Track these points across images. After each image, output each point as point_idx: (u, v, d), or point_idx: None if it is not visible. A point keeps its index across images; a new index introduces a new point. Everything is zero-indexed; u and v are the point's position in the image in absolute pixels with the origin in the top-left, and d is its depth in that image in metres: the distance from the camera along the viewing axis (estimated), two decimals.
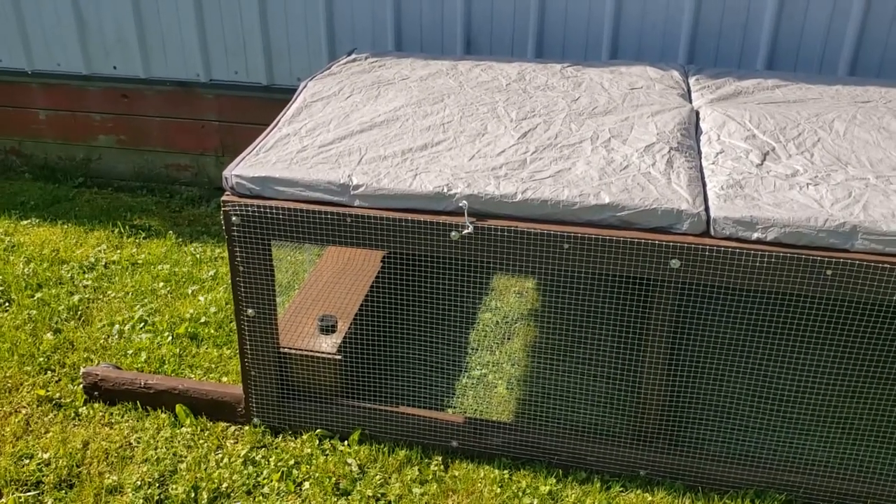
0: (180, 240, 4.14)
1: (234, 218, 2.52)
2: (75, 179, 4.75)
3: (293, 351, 2.80)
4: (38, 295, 3.62)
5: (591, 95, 3.00)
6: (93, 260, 3.92)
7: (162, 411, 2.95)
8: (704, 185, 2.46)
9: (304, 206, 2.46)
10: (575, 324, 3.41)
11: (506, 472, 2.71)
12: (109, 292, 3.69)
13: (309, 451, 2.80)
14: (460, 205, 2.39)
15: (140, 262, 3.93)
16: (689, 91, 3.18)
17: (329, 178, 2.46)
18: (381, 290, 3.22)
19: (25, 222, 4.29)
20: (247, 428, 2.89)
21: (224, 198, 2.53)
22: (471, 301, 3.63)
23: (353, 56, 3.53)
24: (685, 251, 2.30)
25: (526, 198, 2.36)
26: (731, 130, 2.73)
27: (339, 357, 2.80)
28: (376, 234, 2.45)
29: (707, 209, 2.33)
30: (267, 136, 2.73)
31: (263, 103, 4.36)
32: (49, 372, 3.16)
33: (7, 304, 3.58)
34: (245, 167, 2.53)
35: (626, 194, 2.35)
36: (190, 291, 3.70)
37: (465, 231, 2.37)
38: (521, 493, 2.64)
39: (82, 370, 3.00)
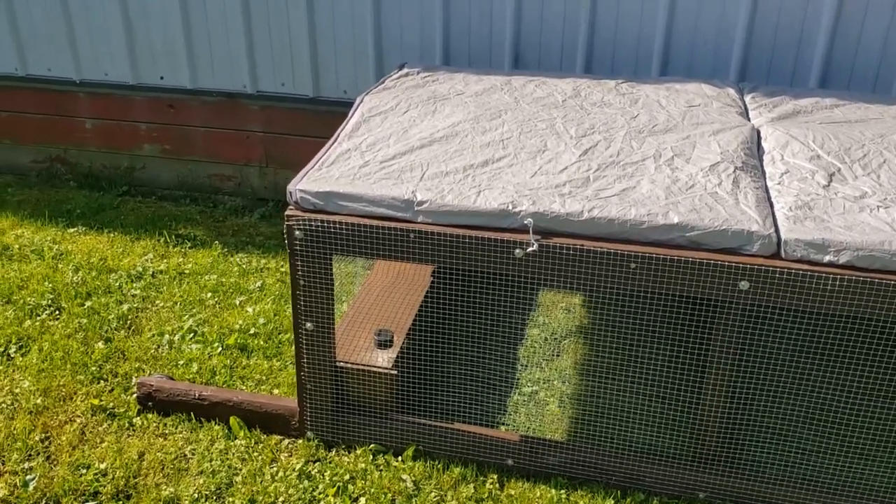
0: (226, 250, 4.16)
1: (297, 232, 2.52)
2: (119, 188, 4.79)
3: (349, 365, 2.80)
4: (88, 303, 3.64)
5: (649, 113, 2.98)
6: (140, 269, 3.95)
7: (215, 423, 2.95)
8: (772, 206, 2.43)
9: (368, 222, 2.46)
10: (626, 342, 3.38)
11: (562, 491, 2.69)
12: (158, 302, 3.71)
13: (363, 466, 2.79)
14: (525, 222, 2.38)
15: (187, 271, 3.95)
16: (746, 109, 3.15)
17: (393, 193, 2.46)
18: (432, 305, 3.21)
19: (72, 230, 4.32)
20: (300, 441, 2.89)
21: (288, 212, 2.53)
22: (518, 317, 3.61)
23: (405, 70, 3.54)
24: (755, 273, 2.27)
25: (593, 216, 2.35)
26: (794, 150, 2.71)
27: (394, 372, 2.79)
28: (439, 250, 2.44)
29: (777, 231, 2.31)
30: (328, 151, 2.73)
31: (309, 115, 4.37)
32: (102, 381, 3.18)
33: (58, 312, 3.61)
34: (309, 182, 2.53)
35: (695, 214, 2.33)
36: (237, 302, 3.71)
37: (530, 249, 2.36)
38: None
39: (137, 380, 3.02)
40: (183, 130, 4.59)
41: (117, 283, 3.82)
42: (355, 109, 3.05)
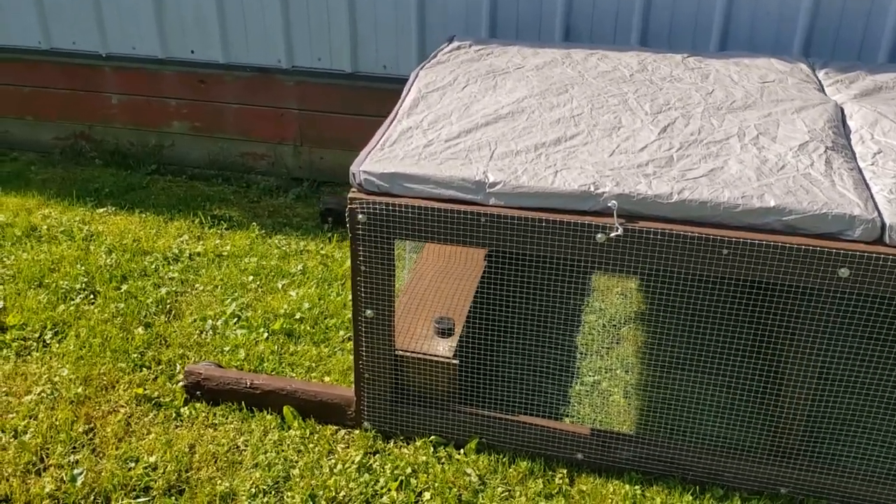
0: (263, 232, 4.01)
1: (360, 216, 2.37)
2: (148, 166, 4.64)
3: (408, 354, 2.67)
4: (125, 287, 3.51)
5: (724, 89, 2.82)
6: (176, 251, 3.80)
7: (268, 412, 2.82)
8: (869, 189, 2.28)
9: (436, 205, 2.31)
10: (691, 329, 3.24)
11: (637, 487, 2.56)
12: (197, 285, 3.57)
13: (424, 458, 2.66)
14: (609, 205, 2.23)
15: (225, 254, 3.81)
16: (821, 85, 2.99)
17: (463, 174, 2.31)
18: (488, 291, 3.07)
19: (101, 210, 4.18)
20: (357, 432, 2.76)
21: (351, 195, 2.38)
22: (574, 302, 3.47)
23: (455, 44, 3.37)
24: (856, 260, 2.12)
25: (683, 198, 2.19)
26: (885, 129, 2.55)
27: (456, 362, 2.66)
28: (512, 234, 2.29)
29: (880, 215, 2.15)
30: (388, 129, 2.58)
31: (346, 92, 4.21)
32: (145, 369, 3.05)
33: (93, 296, 3.47)
34: (373, 163, 2.38)
35: (792, 197, 2.18)
36: (280, 286, 3.57)
37: (614, 234, 2.22)
38: None
39: (185, 368, 2.88)
40: (214, 107, 4.43)
41: (153, 266, 3.68)
42: (411, 85, 2.89)
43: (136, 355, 3.10)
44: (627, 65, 3.07)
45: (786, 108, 2.67)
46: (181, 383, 2.94)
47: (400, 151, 2.44)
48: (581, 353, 3.18)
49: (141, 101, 4.53)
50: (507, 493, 2.55)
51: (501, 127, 2.56)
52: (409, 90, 2.84)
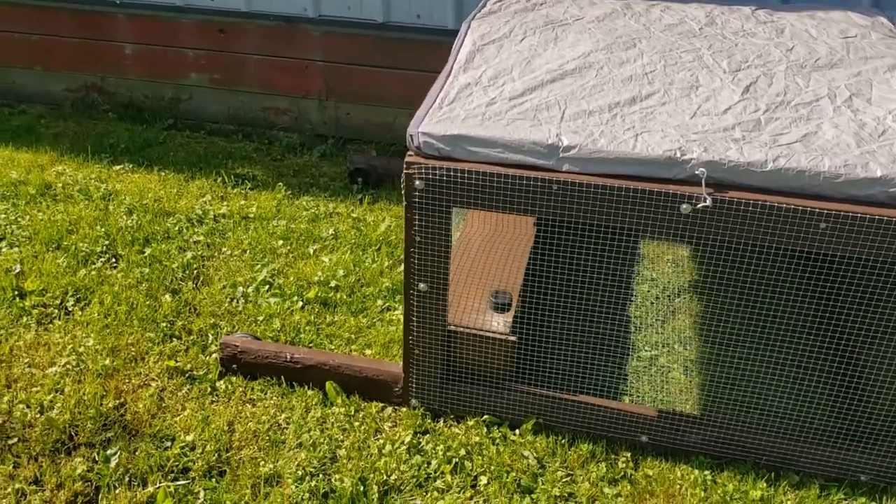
0: (289, 192, 3.81)
1: (417, 182, 2.17)
2: (164, 121, 4.41)
3: (462, 330, 2.49)
4: (148, 251, 3.31)
5: (805, 45, 2.60)
6: (200, 212, 3.60)
7: (308, 388, 2.65)
8: None
9: (503, 171, 2.11)
10: (752, 301, 3.07)
11: (706, 472, 2.41)
12: (224, 249, 3.38)
13: (477, 439, 2.50)
14: (697, 172, 2.03)
15: (251, 216, 3.61)
16: None
17: (534, 137, 2.10)
18: (540, 261, 2.88)
19: (118, 167, 3.96)
20: (404, 410, 2.60)
21: (408, 159, 2.18)
22: (624, 271, 3.29)
23: None
24: None
25: (779, 167, 2.00)
26: None
27: (513, 339, 2.48)
28: (586, 203, 2.10)
29: None
30: (445, 86, 2.36)
31: (377, 43, 3.97)
32: (174, 339, 2.87)
33: (114, 259, 3.28)
34: (432, 124, 2.17)
35: None
36: (311, 251, 3.38)
37: (701, 204, 2.02)
38: (728, 499, 2.34)
39: (221, 340, 2.71)
40: (235, 58, 4.19)
41: (176, 228, 3.49)
42: (463, 37, 2.66)
43: (164, 324, 2.92)
44: (694, 17, 2.84)
45: (876, 66, 2.45)
46: (216, 356, 2.77)
47: (461, 111, 2.23)
48: (636, 327, 3.01)
49: (157, 52, 4.28)
50: (568, 478, 2.40)
51: (569, 84, 2.35)
52: (463, 42, 2.61)
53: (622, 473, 2.41)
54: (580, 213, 2.12)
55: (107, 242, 3.34)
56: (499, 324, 2.52)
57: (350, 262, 3.29)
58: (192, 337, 2.88)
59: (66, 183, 3.79)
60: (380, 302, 3.09)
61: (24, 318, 2.93)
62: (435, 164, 2.15)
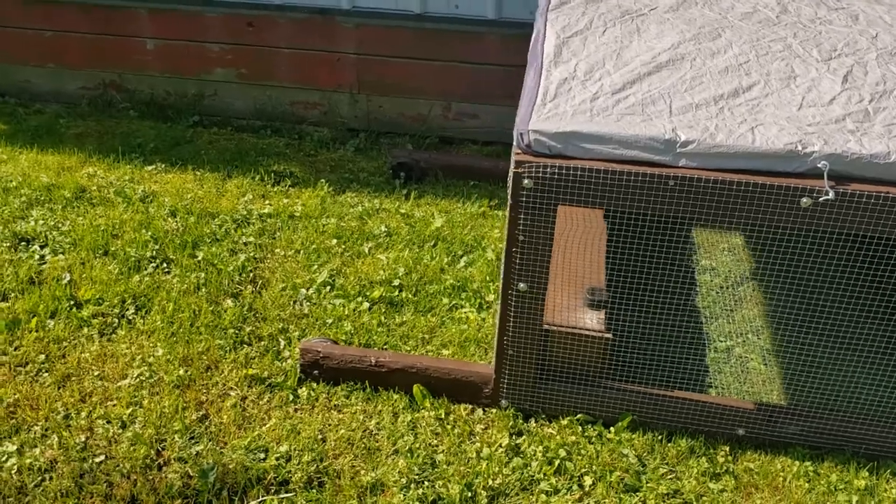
0: (332, 189, 3.72)
1: (525, 181, 2.12)
2: (188, 118, 4.28)
3: (557, 328, 2.45)
4: (200, 255, 3.21)
5: (888, 31, 2.60)
6: (244, 212, 3.50)
7: (394, 392, 2.59)
8: None
9: (618, 167, 2.07)
10: (818, 287, 3.07)
11: (807, 463, 2.41)
12: (276, 250, 3.29)
13: (573, 438, 2.47)
14: (819, 165, 2.01)
15: (297, 214, 3.52)
16: None
17: (651, 133, 2.06)
18: (616, 255, 2.85)
19: (150, 168, 3.84)
20: (494, 411, 2.56)
21: (517, 157, 2.12)
22: (685, 261, 3.28)
23: None
24: None
25: None
26: None
27: (609, 336, 2.45)
28: (704, 199, 2.07)
29: None
30: (542, 81, 2.31)
31: (413, 35, 3.89)
32: (245, 346, 2.79)
33: (166, 265, 3.17)
34: (541, 121, 2.12)
35: None
36: (366, 249, 3.30)
37: (824, 197, 2.00)
38: (833, 489, 2.34)
39: (301, 346, 2.63)
40: (263, 52, 4.07)
41: (223, 230, 3.38)
42: (543, 30, 2.60)
43: (232, 331, 2.83)
44: (766, 5, 2.82)
45: None
46: (292, 362, 2.69)
47: (566, 107, 2.18)
48: (706, 317, 3.00)
49: (179, 47, 4.15)
50: (671, 475, 2.38)
51: (667, 77, 2.31)
52: (545, 35, 2.55)
53: (724, 468, 2.40)
54: (696, 209, 2.09)
55: (156, 247, 3.23)
56: (592, 321, 2.48)
57: (409, 260, 3.23)
58: (263, 343, 2.80)
59: (101, 185, 3.66)
60: (445, 300, 3.03)
61: (86, 329, 2.82)
62: (546, 161, 2.10)
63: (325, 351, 2.60)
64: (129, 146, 4.00)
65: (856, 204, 2.01)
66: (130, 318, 2.89)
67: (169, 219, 3.43)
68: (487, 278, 3.14)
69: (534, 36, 2.64)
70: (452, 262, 3.25)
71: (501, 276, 2.38)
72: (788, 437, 2.46)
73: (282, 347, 2.78)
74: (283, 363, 2.71)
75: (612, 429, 2.51)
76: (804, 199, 2.02)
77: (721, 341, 2.89)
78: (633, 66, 2.36)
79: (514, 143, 2.15)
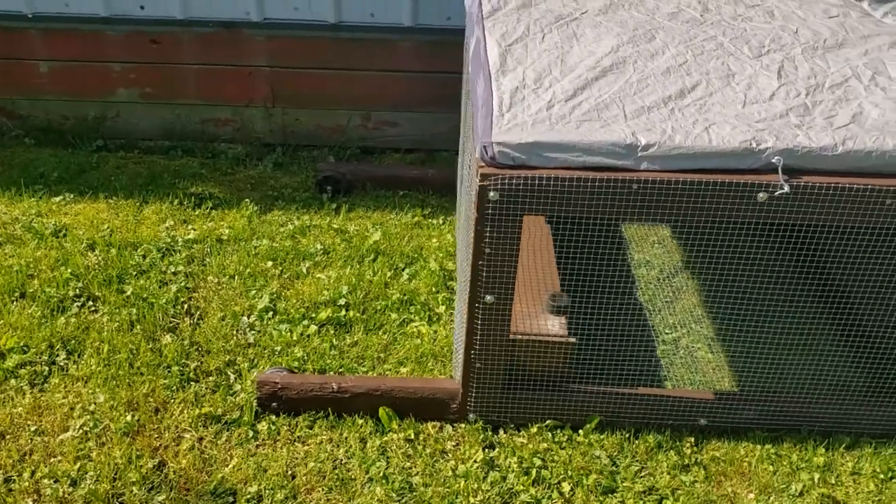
0: (257, 208, 3.58)
1: (491, 193, 2.10)
2: (91, 143, 4.03)
3: (524, 337, 2.44)
4: (128, 290, 3.02)
5: (805, 26, 2.71)
6: (167, 240, 3.33)
7: (358, 416, 2.52)
8: None
9: (582, 175, 2.08)
10: (743, 273, 3.20)
11: (768, 446, 2.50)
12: (209, 278, 3.14)
13: (545, 445, 2.48)
14: (773, 160, 2.08)
15: (225, 238, 3.37)
16: (877, 18, 2.95)
17: (611, 138, 2.08)
18: (567, 258, 2.87)
19: (57, 199, 3.59)
20: (463, 426, 2.53)
21: (483, 171, 2.09)
22: (619, 257, 3.34)
23: None
24: None
25: (848, 149, 2.08)
26: None
27: (573, 340, 2.46)
28: (666, 201, 2.10)
29: None
30: (493, 91, 2.28)
31: (328, 44, 3.80)
32: (192, 383, 2.64)
33: (92, 303, 2.97)
34: (504, 133, 2.10)
35: None
36: (304, 269, 3.20)
37: (780, 192, 2.07)
38: (795, 469, 2.44)
39: (257, 379, 2.52)
40: (169, 69, 3.88)
41: (148, 260, 3.20)
42: (483, 38, 2.58)
43: (176, 368, 2.68)
44: (689, 4, 2.90)
45: (878, 44, 2.60)
46: (246, 395, 2.58)
47: (524, 117, 2.17)
48: (648, 311, 3.07)
49: (77, 68, 3.90)
50: (643, 472, 2.42)
51: (613, 81, 2.34)
52: (485, 44, 2.53)
53: (692, 459, 2.46)
54: (659, 211, 2.12)
55: (78, 285, 3.02)
56: (555, 326, 2.49)
57: (351, 277, 3.15)
58: (211, 378, 2.66)
59: (5, 222, 3.39)
60: (394, 315, 2.98)
61: (13, 381, 2.60)
62: (511, 173, 2.08)
63: (284, 382, 2.50)
64: (31, 177, 3.73)
65: (808, 195, 2.09)
66: (62, 364, 2.69)
67: (88, 253, 3.22)
68: (433, 289, 3.10)
69: (472, 44, 2.62)
70: (395, 275, 3.19)
71: (465, 289, 2.35)
72: (747, 423, 2.54)
73: (232, 381, 2.66)
74: (237, 398, 2.59)
75: (580, 431, 2.52)
76: (761, 194, 2.09)
77: (667, 333, 2.96)
78: (580, 72, 2.37)
79: (477, 155, 2.12)
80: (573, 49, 2.52)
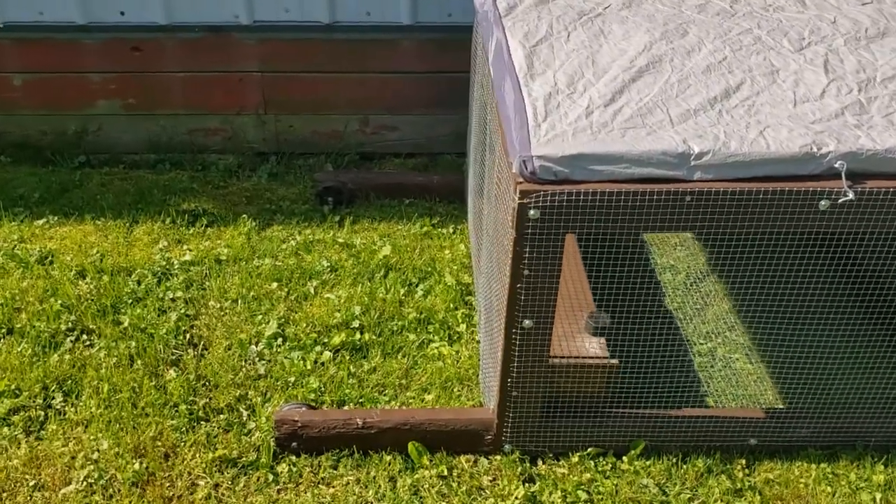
0: (255, 224, 3.37)
1: (532, 212, 1.91)
2: (73, 159, 3.79)
3: (563, 361, 2.27)
4: (124, 321, 2.81)
5: (843, 15, 2.55)
6: (163, 263, 3.11)
7: (385, 453, 2.34)
8: None
9: (631, 188, 1.90)
10: (774, 276, 3.04)
11: (823, 465, 2.35)
12: (210, 303, 2.93)
13: (588, 476, 2.31)
14: (836, 165, 1.91)
15: (224, 258, 3.15)
16: None
17: (661, 147, 1.91)
18: (599, 273, 2.69)
19: (40, 222, 3.35)
20: (499, 458, 2.35)
21: (522, 187, 1.91)
22: (643, 264, 3.17)
23: None
24: None
25: None
26: None
27: (615, 362, 2.29)
28: (721, 213, 1.93)
29: None
30: (524, 99, 2.09)
31: (322, 46, 3.59)
32: (203, 423, 2.44)
33: (87, 337, 2.75)
34: (543, 145, 1.91)
35: None
36: (312, 290, 3.00)
37: (844, 198, 1.91)
38: (855, 489, 2.29)
39: (274, 418, 2.32)
40: (153, 79, 3.65)
41: (144, 287, 2.98)
42: (505, 39, 2.38)
43: (184, 407, 2.47)
44: None
45: None
46: (262, 435, 2.38)
47: (563, 126, 1.98)
48: (679, 319, 2.91)
49: (54, 80, 3.65)
50: (694, 500, 2.26)
51: (652, 82, 2.16)
52: (507, 45, 2.34)
53: (745, 483, 2.30)
54: (713, 223, 1.95)
55: (70, 317, 2.80)
56: (595, 348, 2.32)
57: (363, 296, 2.95)
58: (222, 416, 2.46)
59: None
60: (412, 336, 2.79)
61: (6, 430, 2.39)
62: (553, 189, 1.90)
63: (304, 419, 2.31)
64: (10, 199, 3.49)
65: (873, 202, 1.93)
66: (59, 407, 2.48)
67: (78, 281, 2.99)
68: (451, 306, 2.92)
69: (492, 45, 2.43)
70: (409, 292, 3.00)
71: (493, 310, 2.18)
72: (800, 441, 2.39)
73: (245, 418, 2.46)
74: (252, 437, 2.39)
75: (624, 458, 2.36)
76: (823, 202, 1.93)
77: (702, 343, 2.81)
78: (615, 73, 2.19)
79: (515, 170, 1.93)
80: (602, 48, 2.33)
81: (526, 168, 1.91)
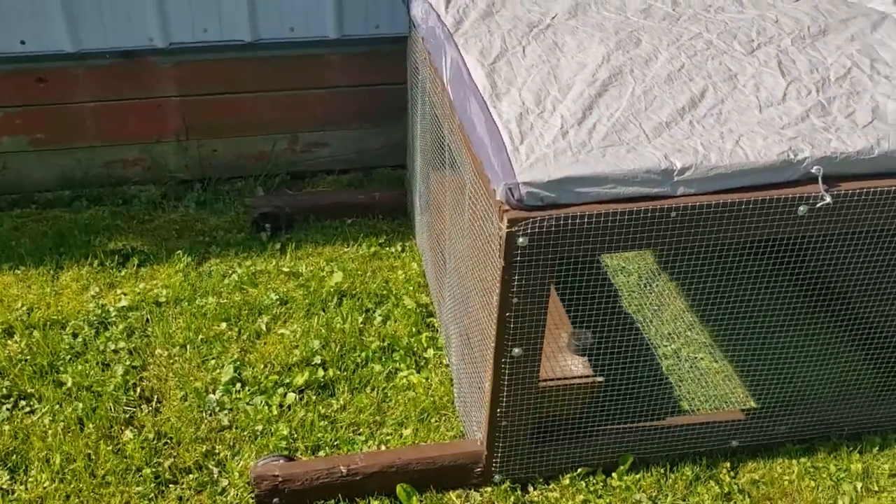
0: (190, 259, 3.18)
1: (521, 239, 1.85)
2: None
3: (550, 383, 2.22)
4: (66, 380, 2.59)
5: (783, 14, 2.59)
6: (98, 311, 2.88)
7: (372, 498, 2.23)
8: None
9: (617, 208, 1.86)
10: (722, 273, 3.09)
11: (803, 459, 2.39)
12: (157, 351, 2.74)
13: (581, 497, 2.28)
14: (813, 170, 1.93)
15: (163, 300, 2.96)
16: None
17: (645, 164, 1.87)
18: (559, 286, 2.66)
19: None
20: (489, 490, 2.29)
21: (510, 215, 1.84)
22: (599, 271, 3.17)
23: None
24: None
25: (885, 150, 1.96)
26: None
27: (601, 379, 2.26)
28: (704, 226, 1.92)
29: None
30: (495, 121, 2.02)
31: (245, 65, 3.41)
32: (172, 485, 2.27)
33: (26, 402, 2.52)
34: (528, 171, 1.85)
35: None
36: (264, 326, 2.85)
37: (821, 203, 1.93)
38: (836, 481, 2.34)
39: (252, 475, 2.18)
40: (62, 110, 3.39)
41: (81, 340, 2.76)
42: (460, 57, 2.30)
43: (148, 471, 2.30)
44: None
45: (860, 26, 2.50)
46: (238, 493, 2.23)
47: (542, 149, 1.92)
48: (639, 322, 2.91)
49: None
50: None
51: (618, 95, 2.13)
52: (464, 63, 2.26)
53: (734, 487, 2.32)
54: (697, 237, 1.94)
55: (5, 382, 2.56)
56: (579, 367, 2.28)
57: (320, 329, 2.82)
58: (191, 476, 2.30)
59: None
60: (378, 367, 2.69)
61: None
62: (541, 215, 1.84)
63: (285, 473, 2.18)
64: None
65: (848, 203, 1.96)
66: (6, 486, 2.25)
67: (6, 341, 2.74)
68: (414, 329, 2.83)
69: (446, 63, 2.34)
70: (368, 319, 2.89)
71: (467, 339, 2.11)
72: (779, 438, 2.43)
73: (216, 476, 2.30)
74: (227, 496, 2.24)
75: (613, 475, 2.34)
76: (801, 208, 1.94)
77: (665, 345, 2.82)
78: (580, 89, 2.14)
79: (500, 198, 1.86)
80: (561, 62, 2.29)
81: (513, 196, 1.84)
